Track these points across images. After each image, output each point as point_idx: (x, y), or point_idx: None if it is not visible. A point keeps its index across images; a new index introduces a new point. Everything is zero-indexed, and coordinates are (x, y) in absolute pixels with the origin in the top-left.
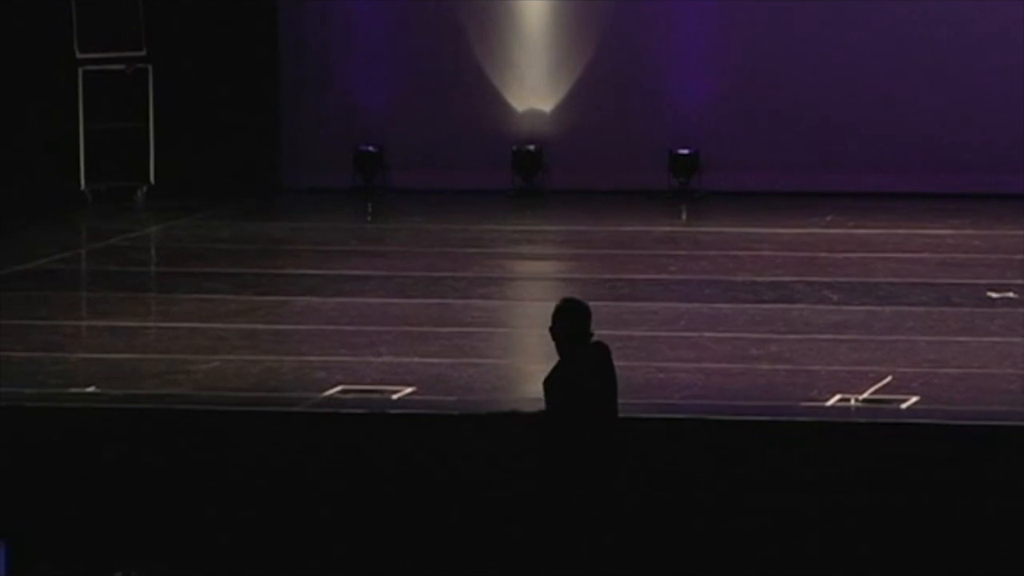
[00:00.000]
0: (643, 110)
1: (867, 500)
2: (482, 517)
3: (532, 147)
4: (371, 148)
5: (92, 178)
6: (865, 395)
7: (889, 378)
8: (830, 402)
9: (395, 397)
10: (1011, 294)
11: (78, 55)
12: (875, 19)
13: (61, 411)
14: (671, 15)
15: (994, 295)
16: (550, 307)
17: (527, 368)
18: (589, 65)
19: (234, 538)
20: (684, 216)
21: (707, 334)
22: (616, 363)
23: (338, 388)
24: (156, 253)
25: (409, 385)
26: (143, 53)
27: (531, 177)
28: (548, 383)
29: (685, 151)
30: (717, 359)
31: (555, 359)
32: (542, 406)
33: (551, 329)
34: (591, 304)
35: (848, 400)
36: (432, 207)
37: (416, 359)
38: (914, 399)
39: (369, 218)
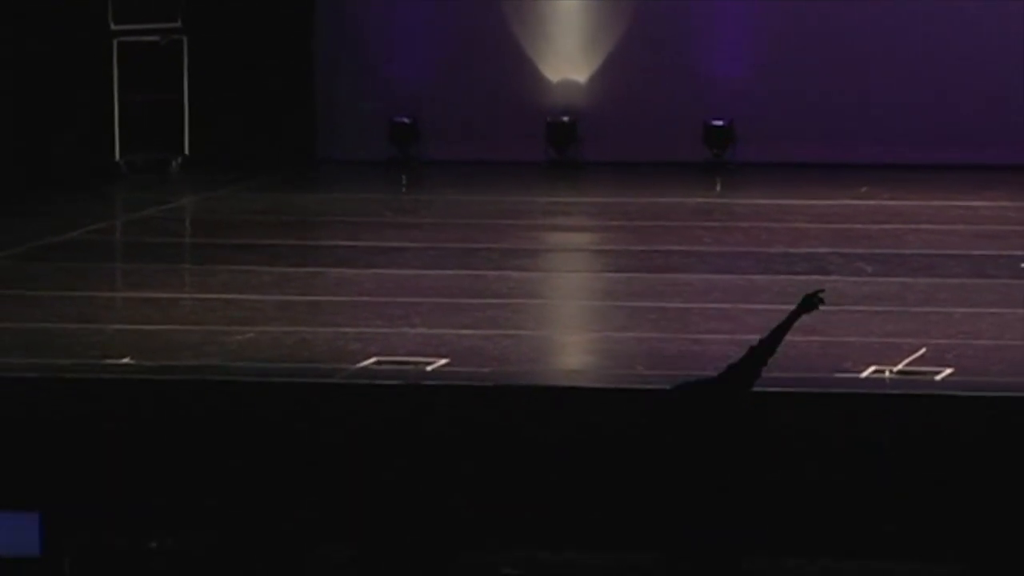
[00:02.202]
0: (678, 81)
1: (899, 470)
2: (515, 488)
3: (566, 118)
4: (406, 120)
5: (127, 149)
6: (899, 367)
7: (923, 350)
8: (864, 374)
9: (429, 368)
10: None
11: (113, 26)
12: None
13: (96, 382)
14: None
15: None
16: (584, 279)
17: (561, 340)
18: (624, 36)
19: (267, 509)
20: (718, 188)
21: (741, 306)
22: (648, 335)
23: (372, 359)
24: (191, 224)
25: (443, 357)
26: (178, 24)
27: (565, 148)
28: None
29: (719, 122)
30: (751, 331)
31: (589, 331)
32: (580, 379)
33: None
34: (623, 275)
35: (882, 372)
36: (466, 179)
37: (450, 331)
38: (948, 371)
39: (403, 189)
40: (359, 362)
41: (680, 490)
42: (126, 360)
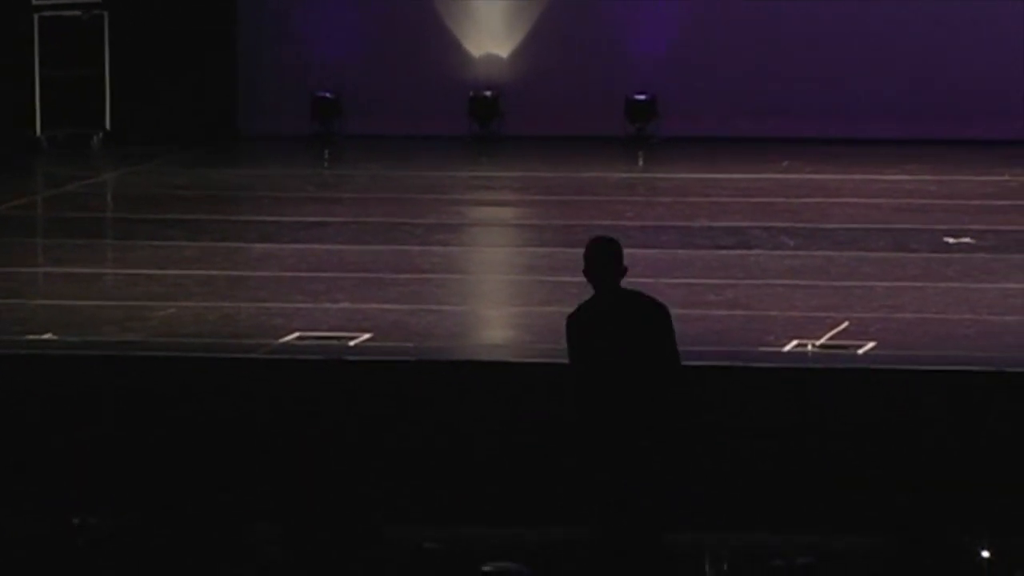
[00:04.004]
0: (600, 56)
1: (822, 444)
2: (438, 463)
3: (489, 93)
4: (328, 95)
5: (48, 125)
6: (822, 340)
7: (846, 323)
8: (787, 348)
9: (352, 343)
10: (968, 239)
11: (34, 1)
12: None
13: (18, 358)
14: None
15: (951, 240)
16: (507, 253)
17: (485, 314)
18: (546, 10)
19: (189, 485)
20: (641, 162)
21: (664, 280)
22: (571, 309)
23: (295, 335)
24: (112, 200)
25: (366, 331)
26: None
27: (488, 123)
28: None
29: (642, 97)
30: (674, 305)
31: (512, 306)
32: (503, 353)
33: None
34: (546, 250)
35: (805, 345)
36: (389, 153)
37: (373, 305)
38: (871, 344)
39: (326, 164)
40: (282, 337)
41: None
42: (48, 335)
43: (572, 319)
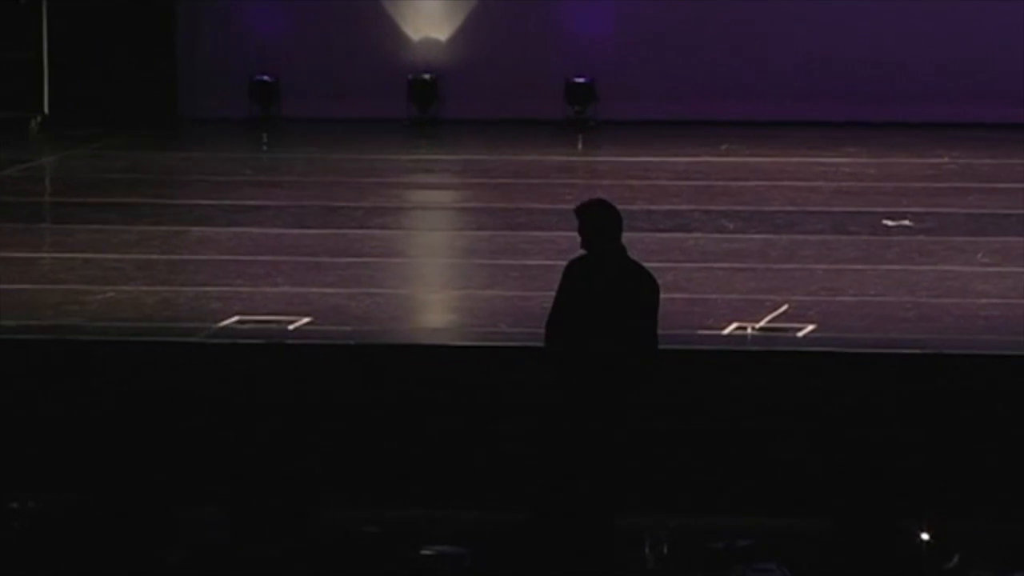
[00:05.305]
0: (539, 39)
1: (762, 427)
2: (378, 446)
3: (428, 76)
4: (266, 78)
5: None
6: (761, 323)
7: (785, 306)
8: (727, 331)
9: (291, 327)
10: (907, 222)
11: None
12: None
13: None
14: None
15: (890, 223)
16: (447, 236)
17: (424, 298)
18: None
19: (128, 468)
20: (580, 145)
21: None
22: (511, 292)
23: (234, 318)
24: (50, 183)
25: (306, 315)
26: None
27: (427, 106)
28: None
29: (581, 80)
30: None
31: (451, 289)
32: (443, 337)
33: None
34: (486, 233)
35: (744, 328)
36: (328, 137)
37: (312, 289)
38: (810, 327)
39: (265, 148)
40: (221, 321)
41: (550, 448)
42: None
43: (570, 265)
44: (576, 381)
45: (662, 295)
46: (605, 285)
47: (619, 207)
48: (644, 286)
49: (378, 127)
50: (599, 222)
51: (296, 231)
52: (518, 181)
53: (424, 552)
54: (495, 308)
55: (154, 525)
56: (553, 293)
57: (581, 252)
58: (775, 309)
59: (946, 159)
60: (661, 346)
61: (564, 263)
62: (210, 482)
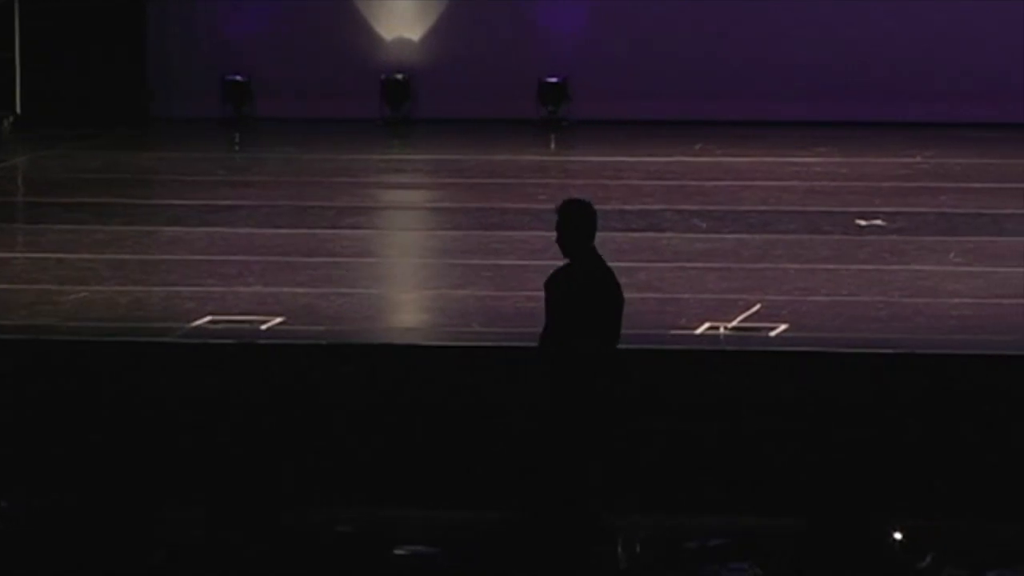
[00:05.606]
0: (512, 39)
1: (734, 426)
2: (351, 446)
3: (400, 76)
4: (239, 77)
5: None
6: (734, 323)
7: (758, 306)
8: (699, 330)
9: (264, 327)
10: (879, 222)
11: None
12: None
13: None
14: None
15: (862, 223)
16: (419, 236)
17: (396, 298)
18: None
19: (103, 467)
20: (553, 145)
21: None
22: (484, 292)
23: (207, 318)
24: (23, 183)
25: (278, 315)
26: None
27: (400, 106)
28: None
29: (554, 79)
30: None
31: (424, 289)
32: (415, 336)
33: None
34: (458, 233)
35: (717, 328)
36: (300, 136)
37: (285, 289)
38: (783, 327)
39: (237, 148)
40: (194, 321)
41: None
42: None
43: (549, 280)
44: (563, 383)
45: (635, 295)
46: (584, 289)
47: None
48: (615, 288)
49: (351, 127)
50: (579, 221)
51: (269, 231)
52: (491, 181)
53: (397, 552)
54: (467, 308)
55: (129, 526)
56: (526, 294)
57: (558, 263)
58: (748, 309)
59: (919, 159)
60: (635, 345)
61: (537, 263)
62: (183, 482)
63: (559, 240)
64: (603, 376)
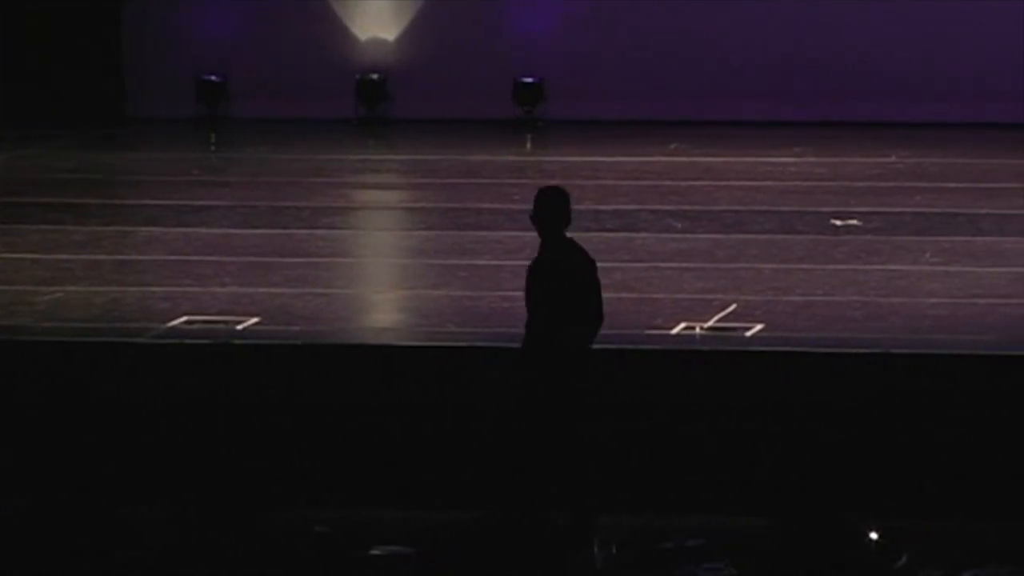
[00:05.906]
0: (487, 39)
1: (710, 426)
2: (327, 446)
3: (376, 76)
4: (214, 78)
5: None
6: (710, 323)
7: (734, 306)
8: (675, 330)
9: (240, 327)
10: (854, 221)
11: None
12: None
13: None
14: None
15: (837, 223)
16: (395, 236)
17: (372, 298)
18: None
19: (76, 469)
20: (528, 145)
21: None
22: (459, 292)
23: (182, 318)
24: None
25: (254, 315)
26: None
27: (375, 106)
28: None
29: (529, 80)
30: None
31: (400, 289)
32: (391, 337)
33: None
34: (434, 233)
35: (693, 328)
36: (276, 136)
37: (261, 289)
38: (758, 327)
39: (213, 148)
40: (169, 321)
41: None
42: None
43: (529, 270)
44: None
45: (610, 295)
46: (566, 274)
47: None
48: (591, 266)
49: (326, 127)
50: (554, 208)
51: (244, 231)
52: (466, 181)
53: (373, 552)
54: (443, 308)
55: (102, 526)
56: (502, 294)
57: (534, 255)
58: (723, 309)
59: (894, 158)
60: (611, 346)
61: (513, 263)
62: (159, 482)
63: (535, 225)
64: (578, 369)
